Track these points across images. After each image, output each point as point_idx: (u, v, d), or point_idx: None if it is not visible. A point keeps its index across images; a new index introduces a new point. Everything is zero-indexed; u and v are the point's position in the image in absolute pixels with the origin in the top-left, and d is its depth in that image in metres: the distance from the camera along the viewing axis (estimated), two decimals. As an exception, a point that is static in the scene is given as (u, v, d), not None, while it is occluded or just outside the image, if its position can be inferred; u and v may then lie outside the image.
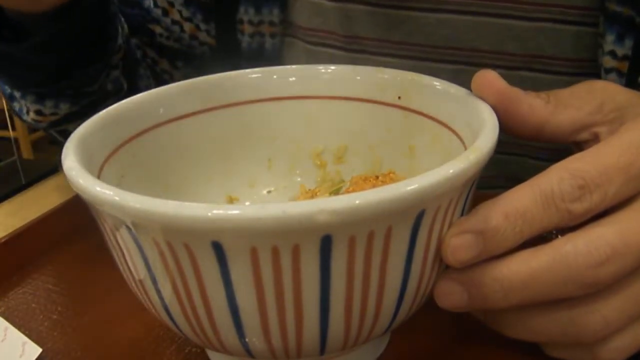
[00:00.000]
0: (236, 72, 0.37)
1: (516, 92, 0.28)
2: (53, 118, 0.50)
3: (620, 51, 0.40)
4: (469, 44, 0.45)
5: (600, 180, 0.24)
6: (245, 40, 0.52)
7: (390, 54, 0.48)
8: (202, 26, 0.54)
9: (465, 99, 0.29)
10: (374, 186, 0.32)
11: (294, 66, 0.37)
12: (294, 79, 0.37)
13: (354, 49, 0.49)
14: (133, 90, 0.54)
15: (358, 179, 0.33)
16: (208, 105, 0.36)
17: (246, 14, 0.51)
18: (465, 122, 0.29)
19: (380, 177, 0.33)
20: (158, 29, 0.55)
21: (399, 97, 0.34)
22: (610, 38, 0.40)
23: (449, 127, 0.31)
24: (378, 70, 0.35)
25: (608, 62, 0.40)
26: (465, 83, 0.45)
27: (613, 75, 0.41)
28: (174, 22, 0.54)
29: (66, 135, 0.55)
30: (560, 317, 0.25)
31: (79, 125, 0.52)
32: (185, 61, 0.58)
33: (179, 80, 0.58)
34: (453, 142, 0.30)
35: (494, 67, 0.44)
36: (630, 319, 0.25)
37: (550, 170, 0.25)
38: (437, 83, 0.32)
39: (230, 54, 0.54)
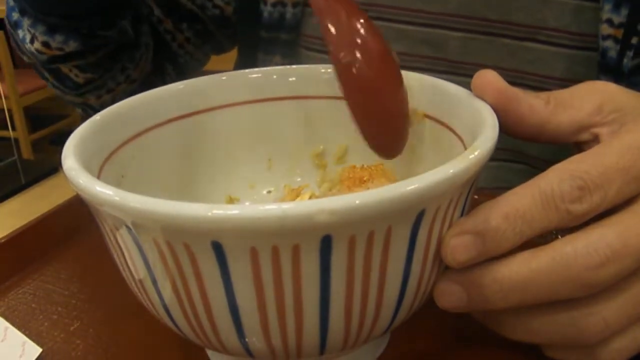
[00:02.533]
0: (236, 72, 0.37)
1: (516, 92, 0.28)
2: (57, 53, 0.50)
3: (616, 19, 0.42)
4: (479, 13, 0.46)
5: (600, 181, 0.24)
6: (266, 10, 0.53)
7: (405, 21, 0.49)
8: None
9: (465, 99, 0.29)
10: (361, 178, 0.32)
11: (294, 66, 0.37)
12: (293, 79, 0.37)
13: (370, 16, 0.50)
14: (137, 44, 0.55)
15: (348, 170, 0.33)
16: (208, 105, 0.36)
17: None
18: (465, 122, 0.29)
19: (367, 168, 0.33)
20: None
21: (399, 98, 0.34)
22: (607, 7, 0.42)
23: (448, 126, 0.31)
24: (378, 71, 0.35)
25: (605, 29, 0.42)
26: (474, 50, 0.47)
27: (609, 42, 0.42)
28: None
29: (58, 76, 0.54)
30: (560, 319, 0.25)
31: (72, 65, 0.52)
32: (189, 24, 0.59)
33: (180, 43, 0.58)
34: (453, 141, 0.30)
35: (500, 36, 0.46)
36: (630, 321, 0.25)
37: (550, 171, 0.25)
38: (437, 83, 0.32)
39: (249, 24, 0.55)
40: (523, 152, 0.49)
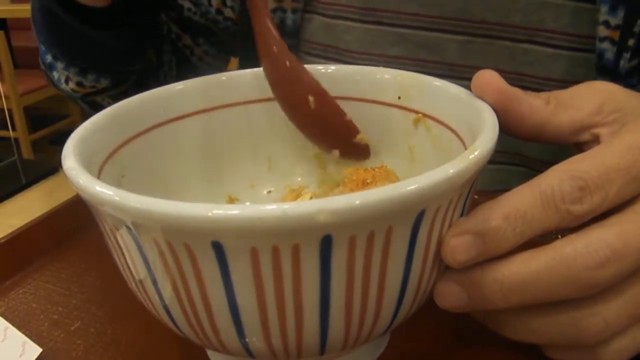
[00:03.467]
0: (236, 71, 0.37)
1: (516, 92, 0.28)
2: (90, 90, 0.55)
3: (613, 21, 0.42)
4: (478, 16, 0.46)
5: (600, 182, 0.24)
6: None
7: (404, 25, 0.49)
8: (228, 2, 0.57)
9: (465, 99, 0.29)
10: (364, 181, 0.32)
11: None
12: (294, 79, 0.37)
13: (369, 20, 0.51)
14: (159, 64, 0.59)
15: (351, 172, 0.33)
16: (208, 105, 0.36)
17: None
18: (465, 122, 0.29)
19: (370, 170, 0.33)
20: (187, 4, 0.58)
21: (399, 97, 0.34)
22: (604, 9, 0.42)
23: (448, 127, 0.31)
24: (378, 71, 0.35)
25: (602, 31, 0.42)
26: (473, 53, 0.48)
27: (606, 44, 0.42)
28: None
29: (93, 106, 0.58)
30: (560, 319, 0.25)
31: (105, 96, 0.56)
32: (205, 37, 0.61)
33: (199, 56, 0.61)
34: (453, 142, 0.30)
35: (500, 38, 0.46)
36: (630, 321, 0.25)
37: (550, 172, 0.25)
38: (438, 83, 0.32)
39: (251, 30, 0.56)
40: (522, 154, 0.49)
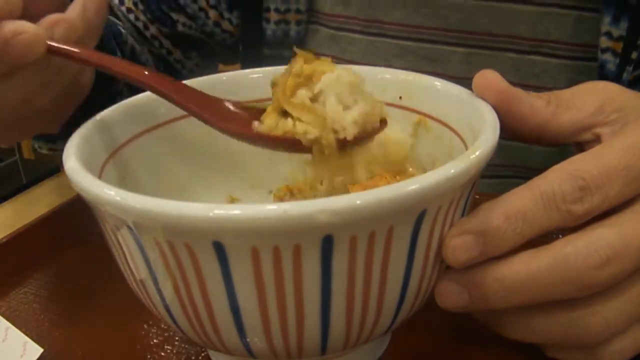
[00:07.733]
0: (236, 72, 0.37)
1: (517, 93, 0.28)
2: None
3: (615, 32, 0.41)
4: (482, 28, 0.46)
5: (601, 182, 0.24)
6: (270, 28, 0.54)
7: (408, 37, 0.49)
8: (226, 14, 0.57)
9: (467, 99, 0.29)
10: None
11: (294, 66, 0.37)
12: (294, 79, 0.37)
13: (373, 32, 0.51)
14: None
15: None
16: (209, 105, 0.36)
17: (273, 2, 0.53)
18: (466, 122, 0.29)
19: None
20: (182, 18, 0.57)
21: (400, 97, 0.34)
22: (607, 20, 0.41)
23: (450, 127, 0.31)
24: (379, 70, 0.35)
25: (604, 42, 0.42)
26: (477, 66, 0.48)
27: (608, 55, 0.42)
28: (200, 9, 0.57)
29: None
30: (561, 319, 0.25)
31: None
32: (198, 51, 0.61)
33: (190, 68, 0.61)
34: (454, 142, 0.30)
35: (505, 50, 0.46)
36: (630, 321, 0.25)
37: (551, 171, 0.25)
38: (438, 83, 0.32)
39: (253, 42, 0.56)
40: (526, 166, 0.49)
